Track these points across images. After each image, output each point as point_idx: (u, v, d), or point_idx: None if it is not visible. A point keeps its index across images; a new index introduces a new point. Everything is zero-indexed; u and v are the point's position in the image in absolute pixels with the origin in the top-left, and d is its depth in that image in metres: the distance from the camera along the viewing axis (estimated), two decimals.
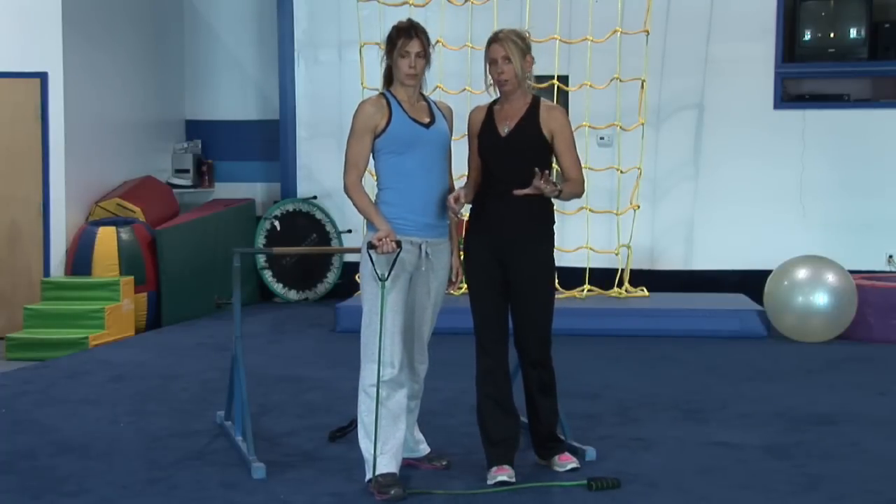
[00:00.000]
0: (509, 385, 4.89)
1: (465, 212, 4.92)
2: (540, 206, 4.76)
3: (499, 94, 4.85)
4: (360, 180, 4.63)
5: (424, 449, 5.04)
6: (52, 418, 6.10)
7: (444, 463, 5.00)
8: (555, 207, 4.91)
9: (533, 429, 5.02)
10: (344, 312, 9.04)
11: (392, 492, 4.53)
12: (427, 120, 4.70)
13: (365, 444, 4.67)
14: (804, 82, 10.64)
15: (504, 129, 4.78)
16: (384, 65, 4.72)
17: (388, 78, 4.73)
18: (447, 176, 4.79)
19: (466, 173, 4.92)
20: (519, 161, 4.71)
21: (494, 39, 4.73)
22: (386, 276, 4.54)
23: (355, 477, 4.82)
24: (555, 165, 4.92)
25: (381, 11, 9.61)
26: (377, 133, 4.63)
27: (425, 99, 4.80)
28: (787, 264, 8.83)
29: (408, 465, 4.94)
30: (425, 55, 4.66)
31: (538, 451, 5.05)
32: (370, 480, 4.63)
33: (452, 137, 4.83)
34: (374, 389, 4.60)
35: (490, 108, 4.86)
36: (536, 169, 4.60)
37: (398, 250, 4.52)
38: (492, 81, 4.79)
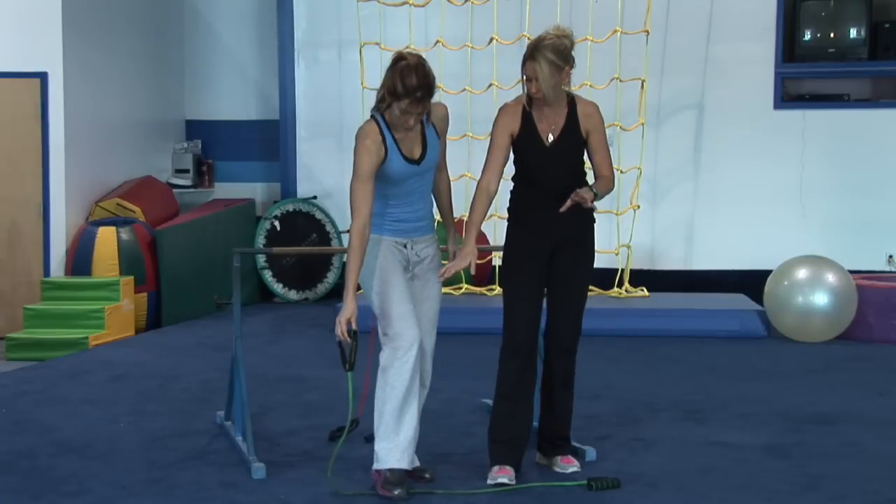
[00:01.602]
0: (532, 389, 4.87)
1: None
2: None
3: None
4: (366, 228, 4.49)
5: (413, 462, 4.93)
6: (52, 418, 6.10)
7: (426, 476, 4.89)
8: None
9: (545, 424, 5.01)
10: None
11: (396, 492, 4.53)
12: (419, 154, 4.61)
13: (380, 433, 4.60)
14: (804, 82, 10.64)
15: (548, 138, 4.76)
16: (380, 94, 4.52)
17: (384, 100, 4.54)
18: (431, 183, 4.74)
19: (482, 171, 4.78)
20: (563, 167, 4.76)
21: (530, 57, 4.64)
22: (353, 364, 4.50)
23: (356, 477, 4.82)
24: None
25: (381, 11, 9.61)
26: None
27: None
28: (787, 264, 8.83)
29: None
30: (428, 111, 4.55)
31: (542, 447, 5.04)
32: (378, 470, 4.61)
33: (448, 139, 4.78)
34: (395, 376, 4.57)
35: (525, 111, 4.77)
36: (577, 191, 4.63)
37: (355, 342, 4.47)
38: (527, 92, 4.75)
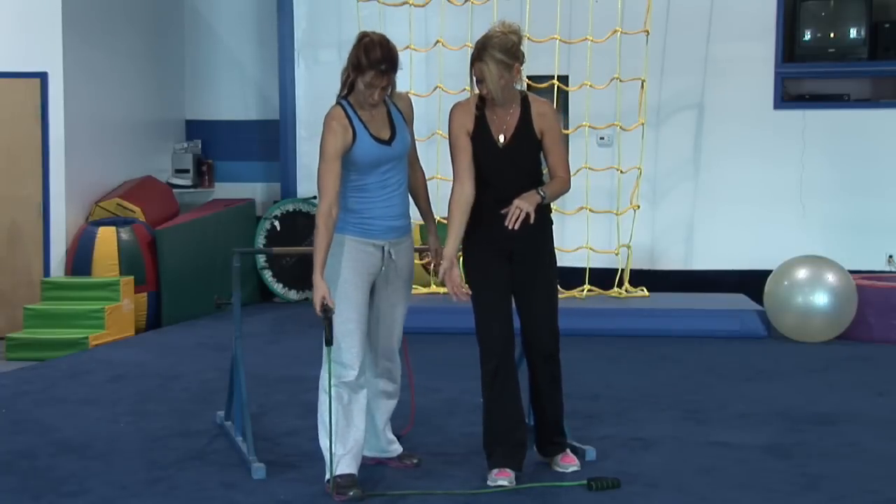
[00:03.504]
0: (518, 386, 4.83)
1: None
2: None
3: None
4: (332, 210, 4.46)
5: (396, 449, 5.00)
6: (52, 418, 6.10)
7: (414, 461, 4.96)
8: (552, 205, 4.89)
9: (540, 423, 4.99)
10: None
11: (351, 493, 4.52)
12: (388, 135, 4.61)
13: (323, 443, 4.64)
14: (804, 82, 10.64)
15: (500, 139, 4.70)
16: (345, 73, 4.58)
17: (347, 84, 4.59)
18: (406, 177, 4.73)
19: (454, 178, 4.71)
20: (516, 169, 4.70)
21: (477, 58, 4.60)
22: (330, 339, 4.48)
23: None
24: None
25: (381, 11, 9.60)
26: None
27: (385, 101, 4.67)
28: (787, 264, 8.83)
29: (378, 463, 4.96)
30: (392, 86, 4.56)
31: (541, 447, 5.03)
32: (328, 481, 4.61)
33: (416, 139, 4.78)
34: (334, 390, 4.58)
35: (478, 110, 4.71)
36: (516, 202, 4.54)
37: (332, 313, 4.47)
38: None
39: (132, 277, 9.42)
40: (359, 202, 4.60)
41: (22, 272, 9.64)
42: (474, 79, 4.65)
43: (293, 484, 4.80)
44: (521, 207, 4.54)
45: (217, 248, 10.21)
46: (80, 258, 9.47)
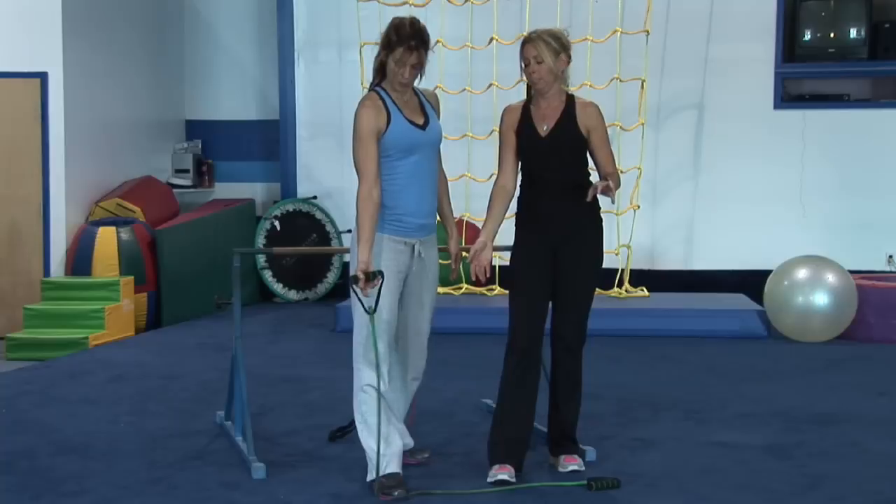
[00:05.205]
0: (536, 388, 4.85)
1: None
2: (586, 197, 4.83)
3: (533, 93, 4.86)
4: (372, 191, 4.50)
5: (409, 443, 4.97)
6: (52, 418, 6.10)
7: (426, 455, 4.99)
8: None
9: (551, 423, 5.01)
10: (344, 312, 9.03)
11: (396, 493, 4.53)
12: (422, 121, 4.69)
13: (369, 444, 4.63)
14: (804, 82, 10.64)
15: (543, 129, 4.82)
16: (377, 59, 4.67)
17: (380, 71, 4.69)
18: (437, 173, 4.80)
19: (497, 171, 4.93)
20: (559, 160, 4.80)
21: (527, 40, 4.76)
22: (374, 307, 4.51)
23: (355, 477, 4.82)
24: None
25: (381, 11, 9.59)
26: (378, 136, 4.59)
27: (415, 92, 4.77)
28: (787, 264, 8.83)
29: None
30: (422, 64, 4.63)
31: (550, 447, 5.06)
32: (373, 481, 4.62)
33: (448, 138, 4.83)
34: (374, 390, 4.59)
35: (524, 107, 4.87)
36: (596, 183, 4.73)
37: (381, 280, 4.49)
38: (526, 80, 4.83)
39: (132, 277, 9.42)
40: (392, 196, 4.60)
41: (22, 272, 9.64)
42: (523, 63, 4.78)
43: (293, 484, 4.80)
44: (605, 187, 4.71)
45: (217, 248, 10.19)
46: (80, 258, 9.47)
